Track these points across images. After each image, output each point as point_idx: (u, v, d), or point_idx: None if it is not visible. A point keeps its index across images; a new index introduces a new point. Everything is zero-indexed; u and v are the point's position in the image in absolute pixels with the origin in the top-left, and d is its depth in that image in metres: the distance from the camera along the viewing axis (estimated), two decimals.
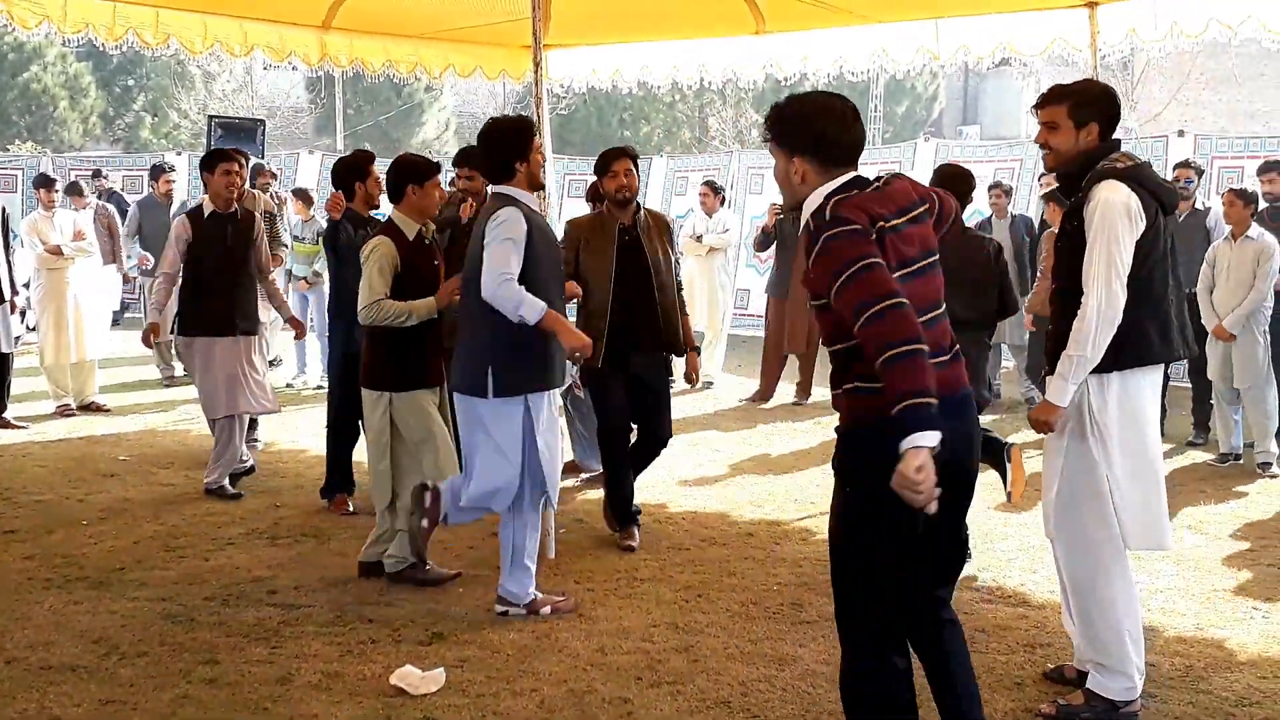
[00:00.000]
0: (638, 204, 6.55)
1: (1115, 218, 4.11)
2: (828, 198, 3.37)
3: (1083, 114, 4.27)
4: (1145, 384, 4.30)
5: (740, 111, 36.89)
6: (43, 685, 4.47)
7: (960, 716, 3.71)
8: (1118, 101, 4.37)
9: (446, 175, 7.69)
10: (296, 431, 9.42)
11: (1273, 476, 8.17)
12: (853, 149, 3.47)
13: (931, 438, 3.05)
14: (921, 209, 3.51)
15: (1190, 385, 9.47)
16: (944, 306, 3.51)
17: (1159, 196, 4.25)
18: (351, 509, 6.98)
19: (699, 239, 11.87)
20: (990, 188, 11.20)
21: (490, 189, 5.25)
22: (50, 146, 29.19)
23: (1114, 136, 4.35)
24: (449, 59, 11.22)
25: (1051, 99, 4.33)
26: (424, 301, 5.56)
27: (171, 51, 9.70)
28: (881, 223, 3.31)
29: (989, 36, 9.63)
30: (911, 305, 3.18)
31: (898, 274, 3.28)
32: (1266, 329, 8.39)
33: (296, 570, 5.93)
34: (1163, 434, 9.22)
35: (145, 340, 7.65)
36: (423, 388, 5.72)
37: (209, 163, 7.43)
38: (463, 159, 7.21)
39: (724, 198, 12.47)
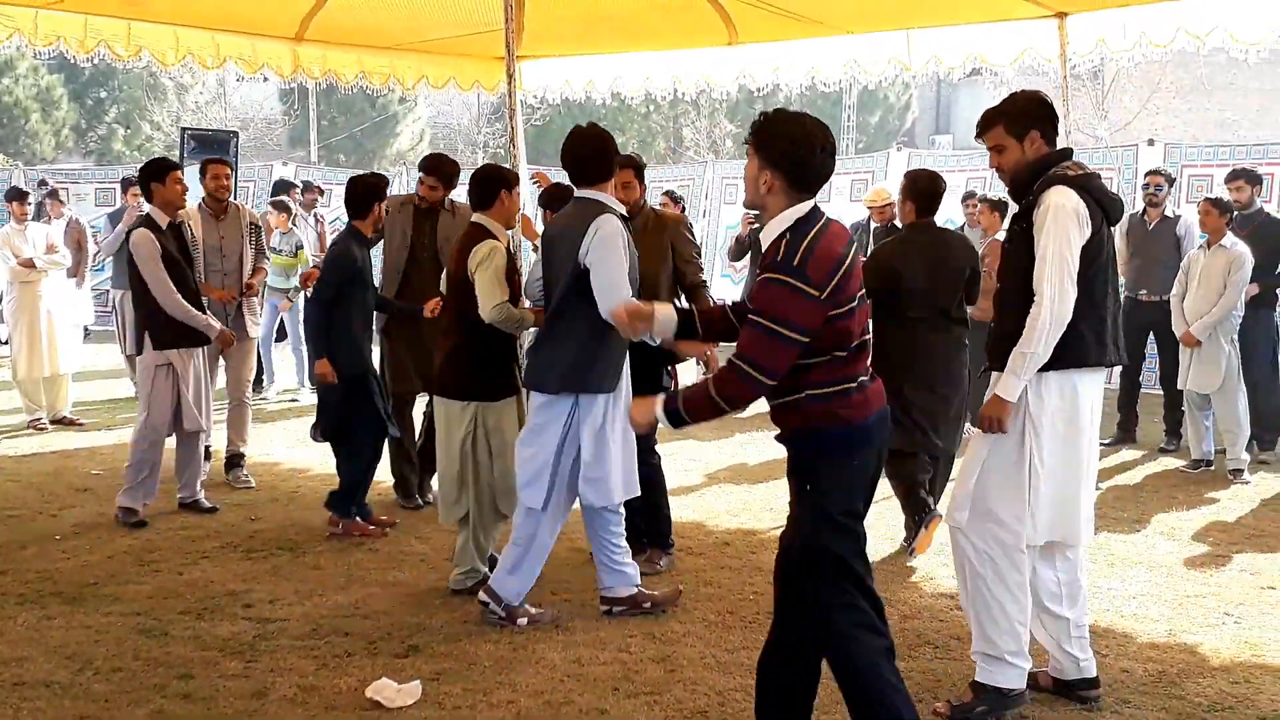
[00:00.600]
0: (640, 208, 6.39)
1: (1065, 221, 4.21)
2: (792, 231, 3.62)
3: (1019, 126, 4.40)
4: (1081, 385, 4.38)
5: (714, 122, 36.99)
6: (16, 701, 4.44)
7: None
8: (1049, 104, 4.48)
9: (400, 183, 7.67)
10: (270, 444, 9.39)
11: (1244, 483, 8.24)
12: (820, 181, 3.71)
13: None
14: (854, 249, 3.73)
15: (1162, 392, 9.54)
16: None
17: (1104, 206, 4.35)
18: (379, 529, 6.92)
19: None
20: (964, 198, 11.27)
21: (576, 193, 5.21)
22: (22, 159, 29.01)
23: (1068, 146, 4.46)
24: (422, 70, 11.22)
25: (987, 124, 4.49)
26: (534, 313, 5.59)
27: (143, 63, 9.68)
28: (838, 273, 3.58)
29: (960, 47, 9.71)
30: (853, 335, 3.64)
31: (845, 308, 3.61)
32: (1235, 336, 8.47)
33: (271, 584, 5.90)
34: (1134, 441, 9.41)
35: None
36: (511, 396, 5.77)
37: (159, 172, 7.09)
38: (430, 167, 7.28)
39: (683, 207, 12.48)
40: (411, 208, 7.31)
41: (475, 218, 5.76)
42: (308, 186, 13.55)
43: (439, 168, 7.27)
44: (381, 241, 7.43)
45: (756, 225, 10.55)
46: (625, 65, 11.33)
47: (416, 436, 7.53)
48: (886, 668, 3.77)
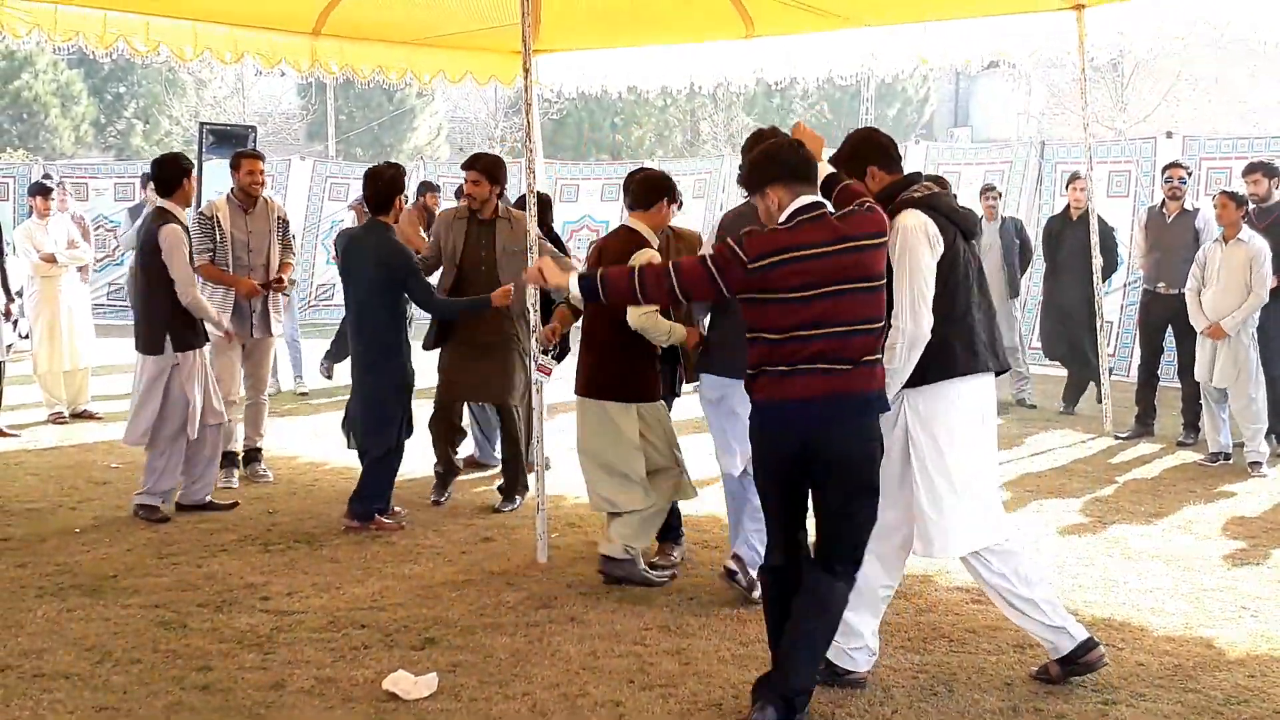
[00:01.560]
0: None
1: (916, 243, 4.32)
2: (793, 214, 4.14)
3: (856, 167, 4.53)
4: (964, 393, 4.46)
5: (731, 115, 36.93)
6: (36, 693, 4.48)
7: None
8: (879, 136, 4.63)
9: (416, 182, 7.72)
10: (287, 438, 9.42)
11: (1262, 476, 8.20)
12: (799, 172, 4.21)
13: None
14: (841, 245, 4.05)
15: (1180, 385, 9.51)
16: (855, 324, 4.07)
17: (956, 222, 4.46)
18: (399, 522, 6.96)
19: None
20: (982, 191, 11.24)
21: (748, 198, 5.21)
22: (42, 154, 29.17)
23: (908, 172, 4.62)
24: (439, 65, 11.23)
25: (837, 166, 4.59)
26: (680, 330, 5.79)
27: (162, 59, 9.70)
28: (772, 256, 4.04)
29: (977, 39, 9.68)
30: (824, 319, 4.03)
31: (800, 294, 4.02)
32: (1255, 330, 8.43)
33: (289, 576, 5.94)
34: (1152, 434, 9.38)
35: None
36: (664, 397, 6.09)
37: (181, 171, 7.11)
38: (469, 162, 7.37)
39: (680, 202, 12.43)
40: (464, 222, 7.27)
41: (630, 221, 5.93)
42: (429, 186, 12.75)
43: (477, 161, 7.31)
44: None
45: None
46: (642, 59, 11.32)
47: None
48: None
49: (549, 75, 11.73)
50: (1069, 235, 10.42)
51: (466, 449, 8.20)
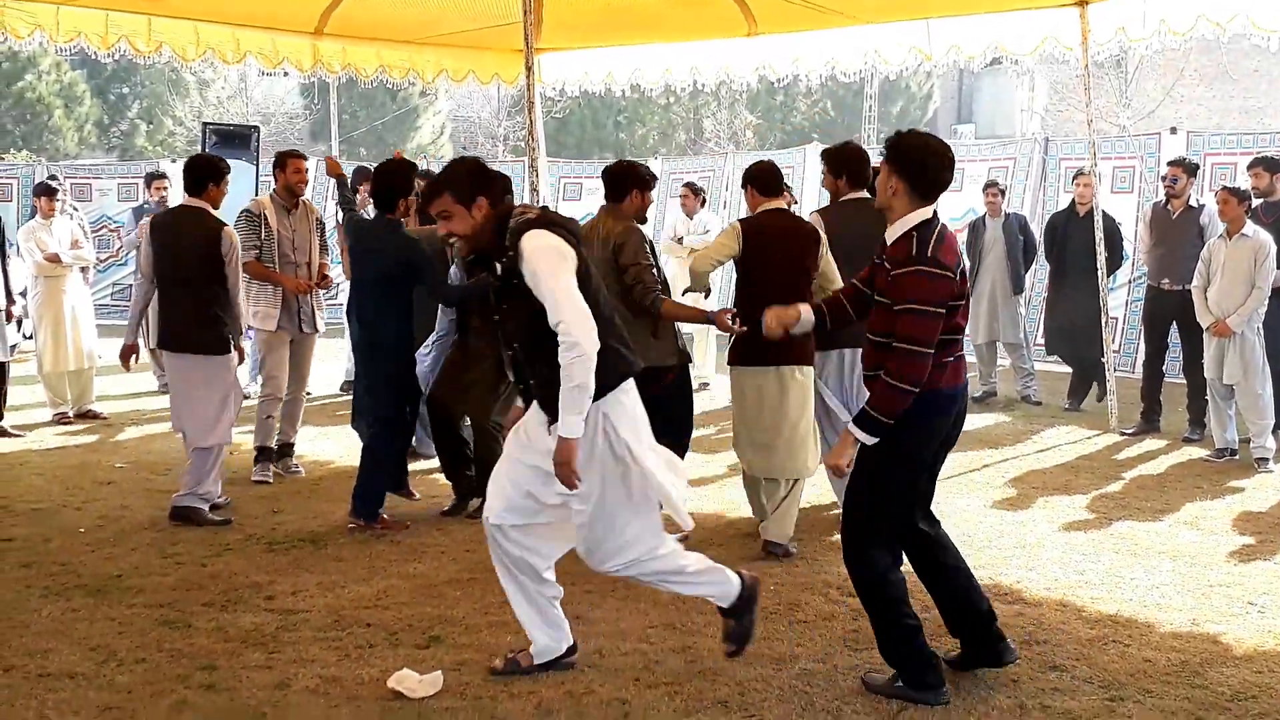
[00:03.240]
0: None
1: (553, 259, 4.31)
2: (919, 230, 4.29)
3: (463, 194, 4.46)
4: (633, 394, 4.53)
5: (734, 113, 36.93)
6: (41, 693, 4.47)
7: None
8: (487, 170, 4.60)
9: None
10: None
11: (1268, 472, 8.19)
12: (938, 190, 4.36)
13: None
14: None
15: (1185, 381, 9.49)
16: None
17: (572, 231, 4.48)
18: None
19: (680, 241, 11.82)
20: (985, 187, 11.23)
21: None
22: (45, 155, 29.19)
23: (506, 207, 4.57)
24: (442, 64, 11.25)
25: (432, 195, 4.54)
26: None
27: (165, 59, 9.73)
28: (959, 266, 4.32)
29: (980, 36, 9.68)
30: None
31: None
32: (1260, 326, 8.41)
33: (293, 575, 5.93)
34: (1158, 430, 9.37)
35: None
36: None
37: (217, 174, 7.05)
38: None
39: (704, 199, 12.45)
40: None
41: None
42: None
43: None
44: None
45: None
46: (644, 57, 11.33)
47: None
48: None
49: (552, 74, 11.74)
50: (1073, 231, 10.40)
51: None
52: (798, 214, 6.87)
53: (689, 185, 12.28)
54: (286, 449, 8.18)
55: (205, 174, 7.00)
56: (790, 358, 6.16)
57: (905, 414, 4.29)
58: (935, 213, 4.35)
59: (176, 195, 14.33)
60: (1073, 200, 10.63)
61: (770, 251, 6.31)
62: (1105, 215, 10.05)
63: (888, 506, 4.48)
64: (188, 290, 6.89)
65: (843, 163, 6.74)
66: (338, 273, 10.16)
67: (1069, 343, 10.66)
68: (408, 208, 6.89)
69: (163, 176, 12.03)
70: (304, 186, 7.96)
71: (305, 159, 8.07)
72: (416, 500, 7.33)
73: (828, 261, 6.44)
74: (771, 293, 5.97)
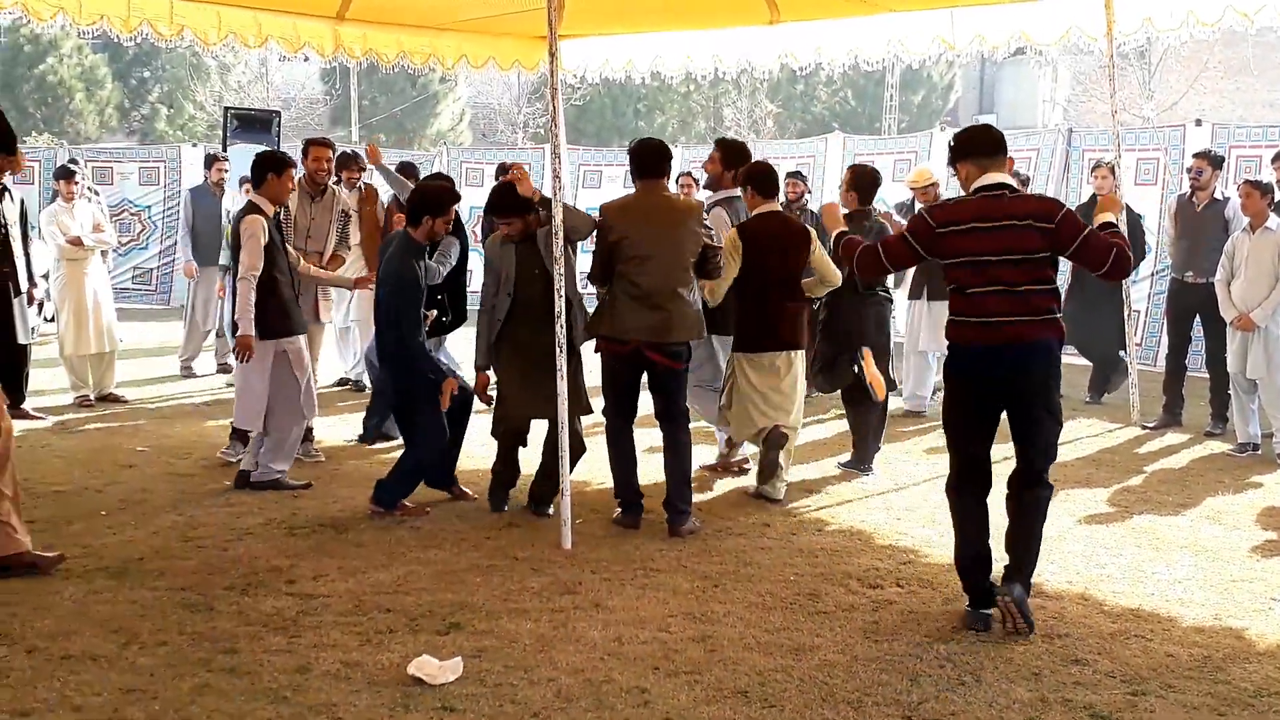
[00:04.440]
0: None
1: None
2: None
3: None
4: None
5: (755, 101, 36.81)
6: (63, 674, 4.49)
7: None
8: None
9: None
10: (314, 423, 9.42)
11: None
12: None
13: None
14: (1008, 222, 4.99)
15: (1208, 376, 9.44)
16: (999, 286, 5.00)
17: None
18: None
19: None
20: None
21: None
22: (66, 138, 29.28)
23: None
24: (462, 50, 11.23)
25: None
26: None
27: (186, 43, 9.74)
28: (950, 225, 5.07)
29: (1004, 25, 9.63)
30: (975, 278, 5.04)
31: (960, 260, 5.07)
32: None
33: (315, 560, 5.95)
34: (1180, 424, 9.32)
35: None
36: None
37: (279, 165, 7.23)
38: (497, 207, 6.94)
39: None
40: (512, 246, 6.80)
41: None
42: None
43: (500, 203, 6.81)
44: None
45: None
46: (665, 44, 11.30)
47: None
48: None
49: (572, 60, 11.72)
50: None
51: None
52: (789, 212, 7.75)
53: (688, 174, 12.24)
54: (306, 434, 8.20)
55: (264, 167, 7.26)
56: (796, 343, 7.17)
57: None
58: (986, 184, 5.11)
59: (197, 178, 14.45)
60: (1093, 193, 10.57)
61: (766, 255, 6.96)
62: (1127, 208, 9.99)
63: None
64: (233, 277, 7.27)
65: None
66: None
67: (1088, 336, 10.60)
68: (432, 231, 6.82)
69: (222, 158, 12.06)
70: (324, 175, 7.98)
71: (330, 147, 8.09)
72: (474, 500, 7.16)
73: (820, 257, 7.18)
74: (769, 293, 6.91)
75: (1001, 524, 5.23)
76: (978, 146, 5.20)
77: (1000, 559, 5.22)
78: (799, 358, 7.22)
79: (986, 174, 5.11)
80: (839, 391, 8.03)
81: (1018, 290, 5.00)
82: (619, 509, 6.72)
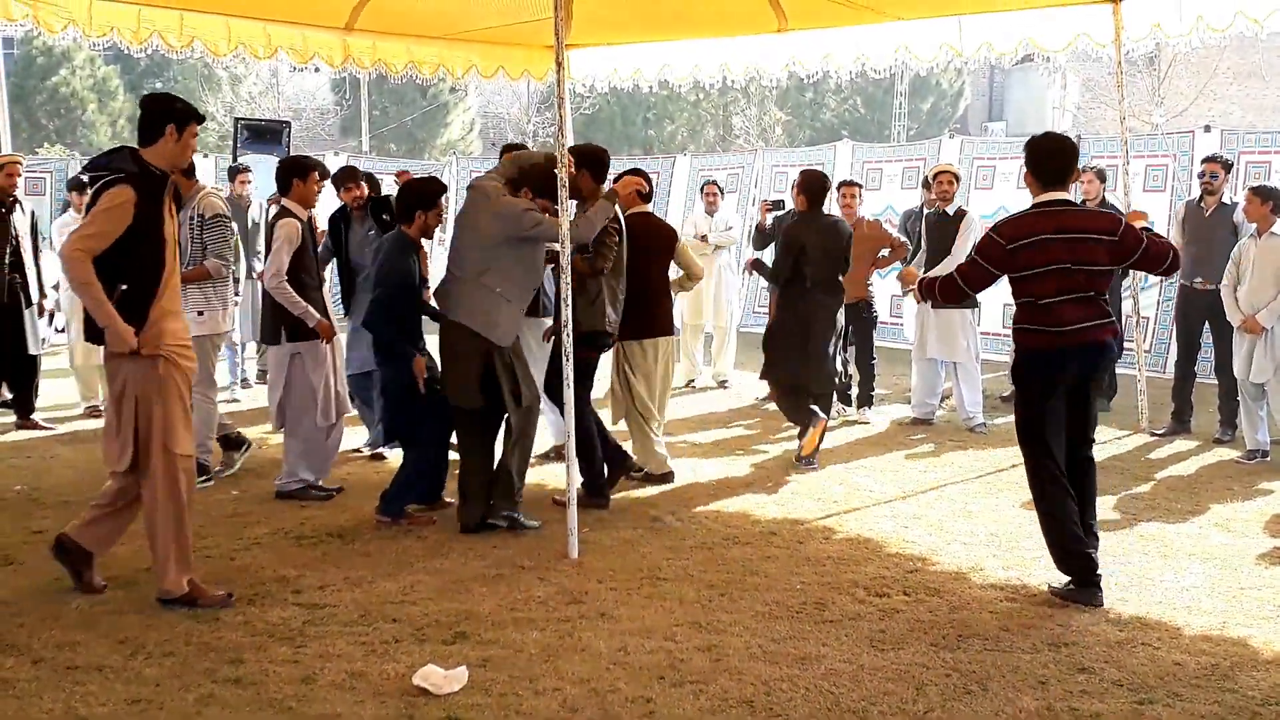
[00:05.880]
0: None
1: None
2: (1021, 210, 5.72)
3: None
4: None
5: (764, 110, 36.84)
6: (69, 685, 4.50)
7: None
8: None
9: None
10: None
11: None
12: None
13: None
14: (1078, 234, 5.47)
15: (1216, 382, 9.40)
16: (1075, 294, 5.49)
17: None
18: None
19: (704, 238, 11.75)
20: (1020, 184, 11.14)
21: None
22: (79, 149, 29.40)
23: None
24: (471, 60, 11.26)
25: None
26: None
27: (197, 54, 9.77)
28: (1022, 241, 5.50)
29: (1012, 32, 9.60)
30: (1056, 290, 5.48)
31: (1037, 270, 5.49)
32: None
33: (321, 570, 5.95)
34: (1189, 431, 9.28)
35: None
36: None
37: (302, 170, 7.41)
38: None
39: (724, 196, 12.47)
40: None
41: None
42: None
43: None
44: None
45: (778, 211, 10.42)
46: (673, 53, 11.31)
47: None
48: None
49: (581, 70, 11.73)
50: None
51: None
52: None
53: (713, 183, 12.26)
54: (238, 442, 8.19)
55: (288, 172, 7.41)
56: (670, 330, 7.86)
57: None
58: (1053, 200, 5.61)
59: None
60: (1083, 199, 10.49)
61: (635, 252, 7.39)
62: (1114, 209, 9.96)
63: None
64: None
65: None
66: None
67: None
68: (425, 225, 6.90)
69: (246, 170, 12.06)
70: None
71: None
72: (449, 506, 7.17)
73: (684, 255, 8.15)
74: (637, 285, 7.42)
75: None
76: (1046, 171, 5.69)
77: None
78: (671, 344, 7.88)
79: (1049, 191, 5.62)
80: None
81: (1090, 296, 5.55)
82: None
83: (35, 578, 5.78)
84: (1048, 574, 5.93)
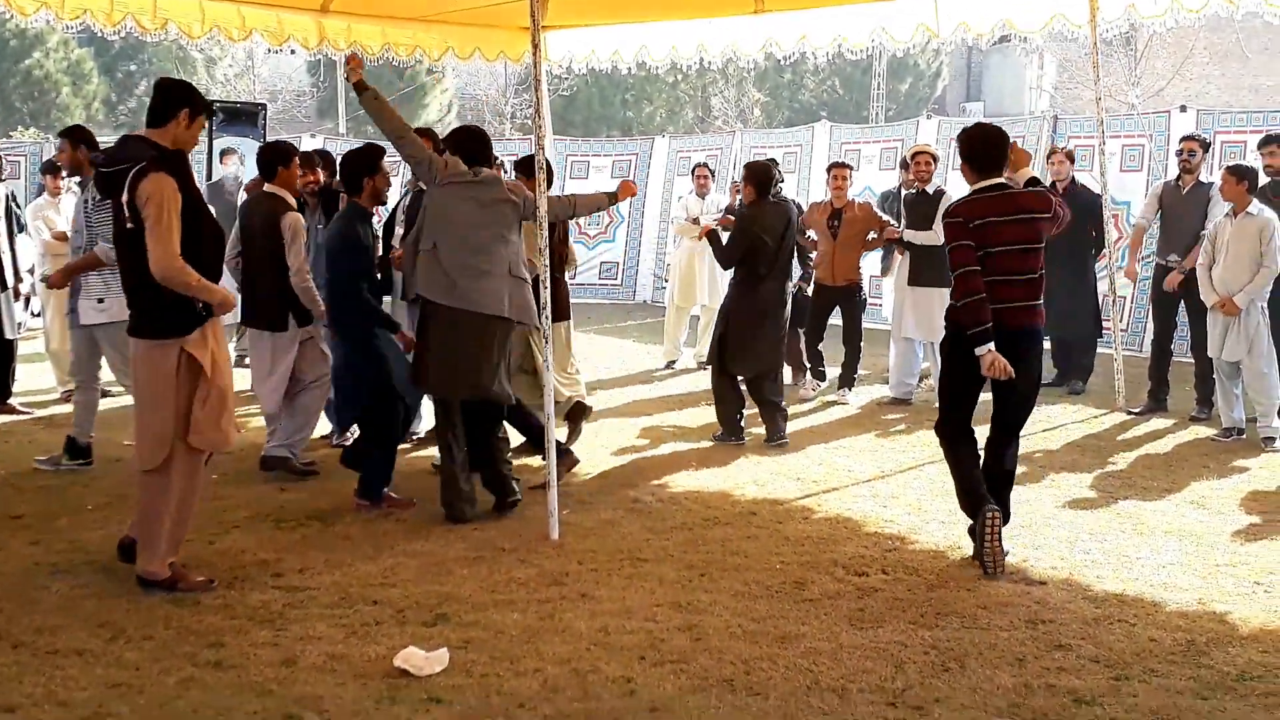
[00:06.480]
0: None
1: None
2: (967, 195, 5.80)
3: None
4: None
5: (743, 91, 36.79)
6: (49, 669, 4.49)
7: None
8: None
9: None
10: None
11: (1275, 451, 8.16)
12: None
13: (986, 348, 5.60)
14: (1024, 215, 5.70)
15: (1193, 360, 9.45)
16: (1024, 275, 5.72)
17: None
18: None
19: (696, 221, 11.74)
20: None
21: None
22: (53, 133, 29.16)
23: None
24: (447, 41, 11.20)
25: None
26: None
27: (171, 37, 9.69)
28: (979, 220, 5.64)
29: (988, 13, 9.62)
30: (1003, 269, 5.64)
31: (995, 249, 5.63)
32: (1265, 304, 8.37)
33: (301, 553, 5.94)
34: (1165, 409, 9.34)
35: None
36: None
37: (287, 157, 7.46)
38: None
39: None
40: None
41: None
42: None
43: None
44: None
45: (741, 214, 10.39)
46: (651, 34, 11.28)
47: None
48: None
49: (557, 51, 11.70)
50: None
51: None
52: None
53: (704, 165, 12.26)
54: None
55: (273, 158, 7.43)
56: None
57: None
58: (993, 184, 5.77)
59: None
60: (1052, 180, 10.51)
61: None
62: (1085, 190, 10.02)
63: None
64: (255, 270, 7.43)
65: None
66: None
67: (1053, 321, 10.47)
68: (376, 190, 6.87)
69: (232, 151, 11.96)
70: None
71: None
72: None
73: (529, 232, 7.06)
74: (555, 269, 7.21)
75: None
76: (984, 158, 5.84)
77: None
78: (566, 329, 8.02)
79: (987, 177, 5.79)
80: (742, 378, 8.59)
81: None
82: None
83: (13, 563, 5.76)
84: (1025, 552, 5.99)
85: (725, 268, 8.91)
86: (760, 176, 8.48)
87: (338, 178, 7.52)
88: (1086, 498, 7.10)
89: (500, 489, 6.69)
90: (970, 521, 5.82)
